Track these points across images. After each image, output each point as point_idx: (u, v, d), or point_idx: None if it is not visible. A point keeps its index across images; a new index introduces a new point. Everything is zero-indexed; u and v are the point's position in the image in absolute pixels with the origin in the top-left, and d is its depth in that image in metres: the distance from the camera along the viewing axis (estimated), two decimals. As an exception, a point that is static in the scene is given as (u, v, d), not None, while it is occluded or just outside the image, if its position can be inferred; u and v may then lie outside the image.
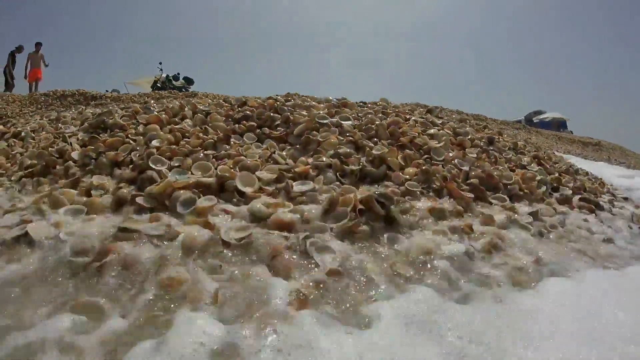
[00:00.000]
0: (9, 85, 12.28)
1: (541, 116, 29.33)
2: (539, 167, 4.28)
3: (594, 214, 3.30)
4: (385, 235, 2.16)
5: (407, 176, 2.99)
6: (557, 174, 4.10)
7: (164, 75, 18.69)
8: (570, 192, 3.78)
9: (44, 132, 4.34)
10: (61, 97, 10.24)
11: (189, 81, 18.52)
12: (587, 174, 5.45)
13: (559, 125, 27.30)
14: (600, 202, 3.64)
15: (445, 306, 1.59)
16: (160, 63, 19.14)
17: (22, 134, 4.47)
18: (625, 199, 4.36)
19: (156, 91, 12.33)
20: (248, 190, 2.47)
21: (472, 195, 2.93)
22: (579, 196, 3.65)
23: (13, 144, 4.15)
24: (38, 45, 12.49)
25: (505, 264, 2.08)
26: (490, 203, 3.03)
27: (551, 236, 2.61)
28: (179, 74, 18.74)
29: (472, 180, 3.18)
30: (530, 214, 2.82)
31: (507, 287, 1.86)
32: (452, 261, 1.99)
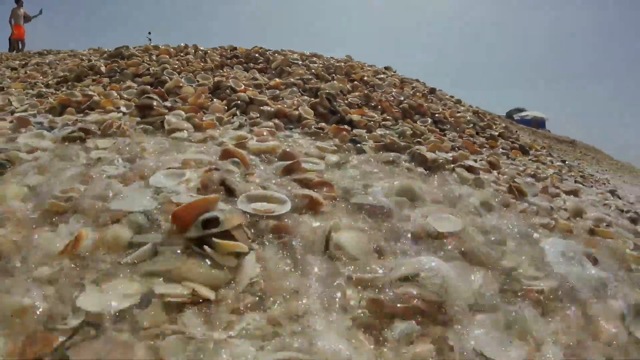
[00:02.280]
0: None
1: (522, 114, 30.60)
2: (474, 115, 5.43)
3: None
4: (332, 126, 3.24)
5: (352, 96, 4.10)
6: (487, 122, 5.25)
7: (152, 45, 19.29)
8: (496, 134, 4.94)
9: (69, 58, 5.33)
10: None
11: None
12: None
13: (538, 123, 28.64)
14: (527, 149, 4.82)
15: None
16: (150, 33, 19.73)
17: (47, 60, 5.46)
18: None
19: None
20: (239, 87, 3.54)
21: (400, 112, 4.06)
22: (503, 139, 4.81)
23: (40, 64, 5.14)
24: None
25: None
26: (415, 121, 4.16)
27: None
28: (162, 46, 19.32)
29: (403, 106, 4.31)
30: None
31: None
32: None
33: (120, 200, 1.15)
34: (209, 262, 0.91)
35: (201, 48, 5.35)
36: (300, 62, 5.01)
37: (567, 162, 6.67)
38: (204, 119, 2.69)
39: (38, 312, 0.76)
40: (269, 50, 5.62)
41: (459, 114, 4.90)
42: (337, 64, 5.11)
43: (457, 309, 0.95)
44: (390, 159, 2.55)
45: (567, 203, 2.68)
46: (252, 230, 1.08)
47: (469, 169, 2.79)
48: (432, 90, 5.78)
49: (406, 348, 0.80)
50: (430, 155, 2.69)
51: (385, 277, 0.96)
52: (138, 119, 2.68)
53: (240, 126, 2.71)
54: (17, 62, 6.14)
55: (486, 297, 1.06)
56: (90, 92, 3.33)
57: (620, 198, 4.41)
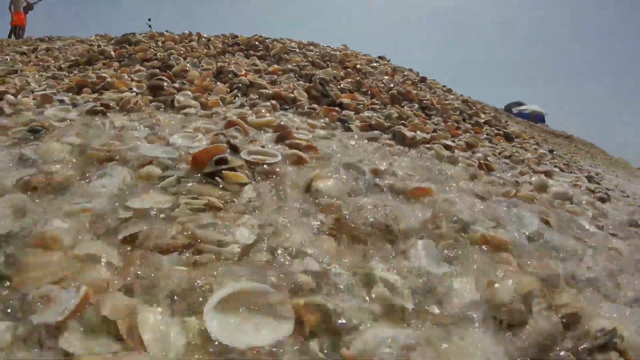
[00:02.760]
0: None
1: (520, 107, 30.78)
2: (465, 105, 5.75)
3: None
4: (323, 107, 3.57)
5: (345, 82, 4.42)
6: (475, 110, 5.58)
7: (151, 32, 19.50)
8: (482, 121, 5.27)
9: (78, 44, 5.64)
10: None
11: None
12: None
13: (537, 117, 28.85)
14: (511, 136, 5.15)
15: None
16: (150, 19, 19.93)
17: (57, 46, 5.76)
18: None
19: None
20: (240, 72, 3.86)
21: (389, 98, 4.38)
22: (489, 125, 5.14)
23: (50, 49, 5.45)
24: None
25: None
26: (403, 106, 4.48)
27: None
28: (167, 31, 19.60)
29: (392, 92, 4.63)
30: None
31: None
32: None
33: (150, 151, 1.48)
34: (218, 187, 1.24)
35: (204, 35, 5.66)
36: (297, 50, 5.32)
37: (554, 152, 7.01)
38: (209, 99, 3.02)
39: (98, 210, 1.08)
40: (269, 38, 5.93)
41: (446, 102, 5.22)
42: (333, 53, 5.43)
43: (401, 231, 1.29)
44: (373, 136, 2.88)
45: (532, 178, 3.01)
46: (251, 173, 1.41)
47: (446, 147, 3.13)
48: (423, 79, 6.10)
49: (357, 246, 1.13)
50: (409, 133, 3.03)
51: (349, 206, 1.29)
52: (150, 97, 3.00)
53: (241, 105, 3.04)
54: (25, 47, 6.44)
55: (429, 228, 1.39)
56: (103, 74, 3.64)
57: (598, 183, 4.75)
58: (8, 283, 0.81)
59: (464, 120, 5.12)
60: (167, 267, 0.84)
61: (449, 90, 6.53)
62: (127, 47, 4.84)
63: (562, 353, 1.02)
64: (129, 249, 0.93)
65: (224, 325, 0.72)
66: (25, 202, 1.11)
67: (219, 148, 1.38)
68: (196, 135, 1.75)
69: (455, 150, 3.16)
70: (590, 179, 4.76)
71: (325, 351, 0.78)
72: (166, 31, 5.92)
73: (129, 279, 0.84)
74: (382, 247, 1.22)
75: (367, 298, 0.94)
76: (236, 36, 5.90)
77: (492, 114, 6.77)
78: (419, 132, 3.30)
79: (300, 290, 0.85)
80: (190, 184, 1.25)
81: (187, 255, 0.90)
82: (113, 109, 2.59)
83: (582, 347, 1.06)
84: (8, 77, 3.96)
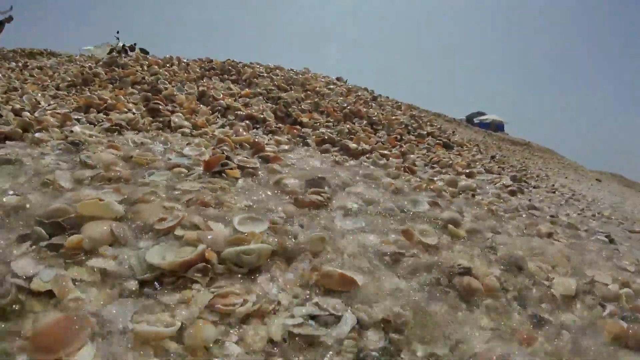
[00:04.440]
0: None
1: (481, 117, 32.00)
2: (411, 119, 6.74)
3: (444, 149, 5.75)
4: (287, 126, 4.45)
5: (305, 103, 5.33)
6: (419, 124, 6.58)
7: (120, 44, 19.84)
8: (425, 133, 6.26)
9: (67, 63, 6.34)
10: (29, 55, 11.36)
11: (144, 52, 19.83)
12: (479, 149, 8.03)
13: (497, 126, 30.16)
14: (451, 145, 6.15)
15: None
16: (118, 32, 20.32)
17: (48, 65, 6.45)
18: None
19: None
20: (219, 96, 4.70)
21: (342, 116, 5.31)
22: (432, 137, 6.13)
23: (43, 68, 6.14)
24: None
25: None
26: (354, 123, 5.42)
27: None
28: (135, 44, 20.02)
29: (345, 111, 5.56)
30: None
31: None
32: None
33: (176, 158, 2.31)
34: (223, 179, 2.09)
35: (184, 60, 6.48)
36: (265, 75, 6.22)
37: (496, 158, 8.09)
38: (197, 119, 3.85)
39: (161, 191, 1.92)
40: (240, 62, 6.80)
41: (393, 117, 6.21)
42: (295, 77, 6.35)
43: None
44: (324, 149, 3.78)
45: (445, 176, 3.94)
46: (241, 172, 2.26)
47: (382, 155, 4.06)
48: (374, 98, 7.10)
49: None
50: (353, 145, 3.95)
51: (302, 192, 2.17)
52: (151, 118, 3.80)
53: (223, 126, 3.88)
54: (14, 63, 7.09)
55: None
56: (104, 96, 4.42)
57: (522, 181, 5.76)
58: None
59: (408, 132, 6.10)
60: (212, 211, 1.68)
61: (399, 107, 7.55)
62: (116, 69, 5.61)
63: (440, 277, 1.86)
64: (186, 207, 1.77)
65: (241, 225, 1.55)
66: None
67: (221, 157, 2.23)
68: (200, 149, 2.60)
69: (390, 158, 4.09)
70: (514, 178, 5.73)
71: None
72: (142, 50, 6.67)
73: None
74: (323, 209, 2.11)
75: (310, 231, 1.80)
76: (211, 60, 6.75)
77: (438, 127, 7.82)
78: (362, 145, 4.22)
79: (274, 224, 1.69)
80: (207, 178, 2.09)
81: (216, 209, 1.74)
82: (126, 128, 3.39)
83: (450, 272, 1.91)
84: (9, 93, 4.62)
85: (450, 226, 2.27)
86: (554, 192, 6.21)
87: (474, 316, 1.60)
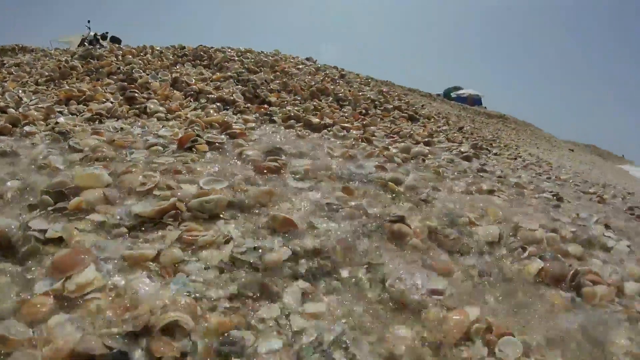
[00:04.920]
0: None
1: (459, 92, 32.42)
2: (379, 95, 7.12)
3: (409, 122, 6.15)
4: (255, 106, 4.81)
5: (274, 84, 5.68)
6: (386, 99, 6.96)
7: (91, 33, 19.60)
8: (391, 107, 6.65)
9: (43, 59, 6.59)
10: (0, 52, 11.44)
11: (116, 41, 19.71)
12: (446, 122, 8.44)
13: (474, 100, 30.62)
14: (417, 117, 6.56)
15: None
16: (89, 21, 20.06)
17: (25, 61, 6.69)
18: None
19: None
20: (191, 81, 5.04)
21: (309, 93, 5.68)
22: (399, 110, 6.53)
23: (20, 65, 6.38)
24: None
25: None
26: (321, 100, 5.79)
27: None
28: (107, 33, 19.81)
29: (312, 89, 5.93)
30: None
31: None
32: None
33: (153, 139, 2.70)
34: (194, 153, 2.48)
35: (157, 48, 6.77)
36: (236, 58, 6.54)
37: (464, 129, 8.55)
38: (171, 104, 4.20)
39: (143, 163, 2.30)
40: (212, 47, 7.10)
41: (360, 93, 6.59)
42: (265, 59, 6.66)
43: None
44: (290, 125, 4.17)
45: (400, 144, 4.36)
46: (209, 146, 2.65)
47: (343, 128, 4.46)
48: (342, 75, 7.47)
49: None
50: (315, 120, 4.34)
51: (263, 158, 2.57)
52: (128, 106, 4.14)
53: (195, 109, 4.24)
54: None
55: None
56: (83, 88, 4.73)
57: (483, 149, 6.19)
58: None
59: (375, 107, 6.48)
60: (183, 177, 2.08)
61: (367, 83, 7.93)
62: (92, 61, 5.89)
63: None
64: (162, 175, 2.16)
65: (205, 185, 1.96)
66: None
67: (191, 134, 2.62)
68: (174, 129, 2.98)
69: (351, 131, 4.49)
70: (475, 146, 6.14)
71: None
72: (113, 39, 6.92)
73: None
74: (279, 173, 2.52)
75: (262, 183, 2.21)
76: (184, 47, 7.03)
77: (407, 101, 8.22)
78: (326, 119, 4.61)
79: (234, 185, 2.10)
80: (180, 153, 2.49)
81: (187, 175, 2.14)
82: (105, 116, 3.73)
83: (385, 220, 2.31)
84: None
85: (391, 183, 2.63)
86: (515, 159, 6.63)
87: (401, 253, 1.90)
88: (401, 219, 2.09)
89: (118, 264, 1.39)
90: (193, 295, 1.28)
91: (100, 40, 19.16)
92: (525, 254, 2.14)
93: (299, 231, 1.77)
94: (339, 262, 1.70)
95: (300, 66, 7.00)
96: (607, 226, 3.03)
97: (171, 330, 1.15)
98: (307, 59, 8.12)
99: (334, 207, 2.11)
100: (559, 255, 2.23)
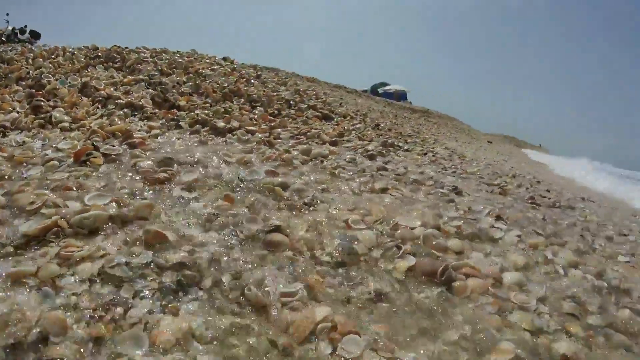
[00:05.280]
0: None
1: (385, 87, 33.49)
2: (295, 94, 7.45)
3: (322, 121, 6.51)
4: (162, 111, 5.02)
5: (185, 86, 5.90)
6: (301, 99, 7.30)
7: (9, 27, 18.58)
8: (306, 106, 7.01)
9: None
10: None
11: (35, 35, 18.73)
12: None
13: (400, 96, 31.75)
14: (332, 116, 6.95)
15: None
16: (7, 14, 19.00)
17: None
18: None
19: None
20: (100, 86, 5.17)
21: (221, 95, 5.94)
22: (314, 109, 6.90)
23: None
24: None
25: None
26: (233, 102, 6.06)
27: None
28: (25, 26, 18.82)
29: (225, 90, 6.19)
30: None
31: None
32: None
33: (52, 153, 2.91)
34: (88, 167, 2.75)
35: (69, 49, 6.76)
36: (149, 59, 6.67)
37: (380, 126, 9.05)
38: (77, 112, 4.35)
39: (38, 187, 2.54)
40: (126, 48, 7.17)
41: (274, 94, 6.91)
42: (179, 60, 6.84)
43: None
44: (196, 130, 4.44)
45: (300, 147, 4.73)
46: (105, 158, 2.91)
47: (248, 131, 4.78)
48: (259, 76, 7.75)
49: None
50: (221, 124, 4.63)
51: (157, 169, 2.87)
52: (34, 116, 4.24)
53: (102, 116, 4.41)
54: None
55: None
56: (-12, 97, 4.75)
57: (393, 146, 6.65)
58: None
59: (289, 107, 6.80)
60: (73, 193, 2.35)
61: (284, 83, 8.26)
62: (2, 65, 5.85)
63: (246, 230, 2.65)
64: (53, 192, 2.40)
65: (90, 200, 2.26)
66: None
67: (87, 148, 2.87)
68: (73, 142, 3.20)
69: (256, 133, 4.80)
70: (384, 143, 6.56)
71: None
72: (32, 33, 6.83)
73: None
74: (168, 184, 2.82)
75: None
76: (97, 48, 7.06)
77: (323, 100, 8.63)
78: (232, 122, 4.90)
79: (120, 199, 2.40)
80: (75, 167, 2.73)
81: (77, 191, 2.40)
82: (10, 129, 3.85)
83: (261, 229, 2.68)
84: None
85: (277, 188, 2.83)
86: (425, 154, 7.03)
87: (274, 259, 2.04)
88: (277, 229, 2.24)
89: (4, 282, 1.64)
90: (63, 308, 1.53)
91: (19, 35, 18.21)
92: (400, 253, 2.25)
93: (171, 243, 1.97)
94: (204, 273, 1.84)
95: (216, 67, 7.21)
96: (498, 218, 3.20)
97: (45, 340, 1.38)
98: (224, 59, 8.31)
99: (212, 217, 2.29)
100: (435, 252, 2.35)
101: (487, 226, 2.94)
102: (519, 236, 2.90)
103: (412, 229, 2.54)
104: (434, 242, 2.44)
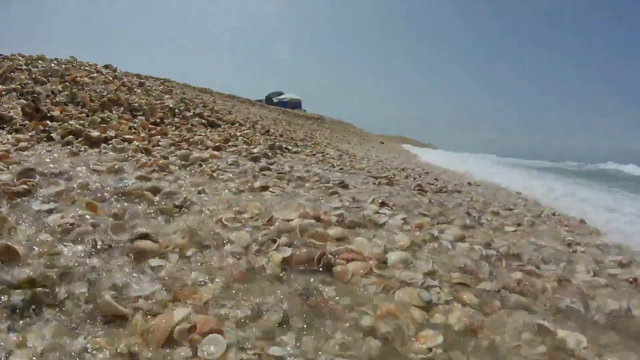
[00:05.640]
0: None
1: (280, 97, 34.60)
2: (180, 103, 7.55)
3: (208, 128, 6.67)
4: (33, 122, 4.99)
5: (61, 96, 5.85)
6: (187, 107, 7.43)
7: None
8: (191, 114, 7.15)
9: None
10: None
11: None
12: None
13: (294, 104, 32.86)
14: (219, 123, 7.12)
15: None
16: None
17: None
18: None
19: None
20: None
21: (99, 104, 5.96)
22: (200, 117, 7.05)
23: None
24: None
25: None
26: (112, 112, 6.09)
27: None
28: None
29: (103, 99, 6.20)
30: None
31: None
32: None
33: None
34: None
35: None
36: (24, 67, 6.49)
37: (270, 132, 9.37)
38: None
39: None
40: (1, 55, 6.89)
41: (158, 102, 7.01)
42: (56, 68, 6.72)
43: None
44: (68, 141, 4.50)
45: (179, 152, 4.92)
46: None
47: (124, 140, 4.90)
48: (142, 84, 7.80)
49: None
50: (95, 134, 4.71)
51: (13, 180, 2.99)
52: None
53: (-35, 130, 4.33)
54: None
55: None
56: None
57: (280, 149, 6.94)
58: None
59: (173, 115, 6.92)
60: None
61: (169, 91, 8.35)
62: None
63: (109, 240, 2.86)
64: None
65: None
66: None
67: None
68: None
69: (133, 142, 4.91)
70: (271, 146, 6.86)
71: None
72: None
73: None
74: (29, 196, 2.95)
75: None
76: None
77: (211, 107, 8.84)
78: (108, 132, 4.98)
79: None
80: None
81: None
82: None
83: (127, 236, 2.91)
84: None
85: (147, 193, 2.88)
86: (313, 155, 7.36)
87: (143, 271, 1.98)
88: (146, 236, 2.24)
89: None
90: None
91: None
92: (274, 246, 2.26)
93: (22, 258, 1.85)
94: (57, 287, 1.75)
95: (95, 75, 7.13)
96: (383, 204, 3.30)
97: None
98: (106, 67, 8.22)
99: (70, 227, 2.23)
100: (314, 241, 2.36)
101: (371, 212, 3.03)
102: (404, 219, 2.98)
103: (288, 221, 2.57)
104: (313, 232, 2.45)
